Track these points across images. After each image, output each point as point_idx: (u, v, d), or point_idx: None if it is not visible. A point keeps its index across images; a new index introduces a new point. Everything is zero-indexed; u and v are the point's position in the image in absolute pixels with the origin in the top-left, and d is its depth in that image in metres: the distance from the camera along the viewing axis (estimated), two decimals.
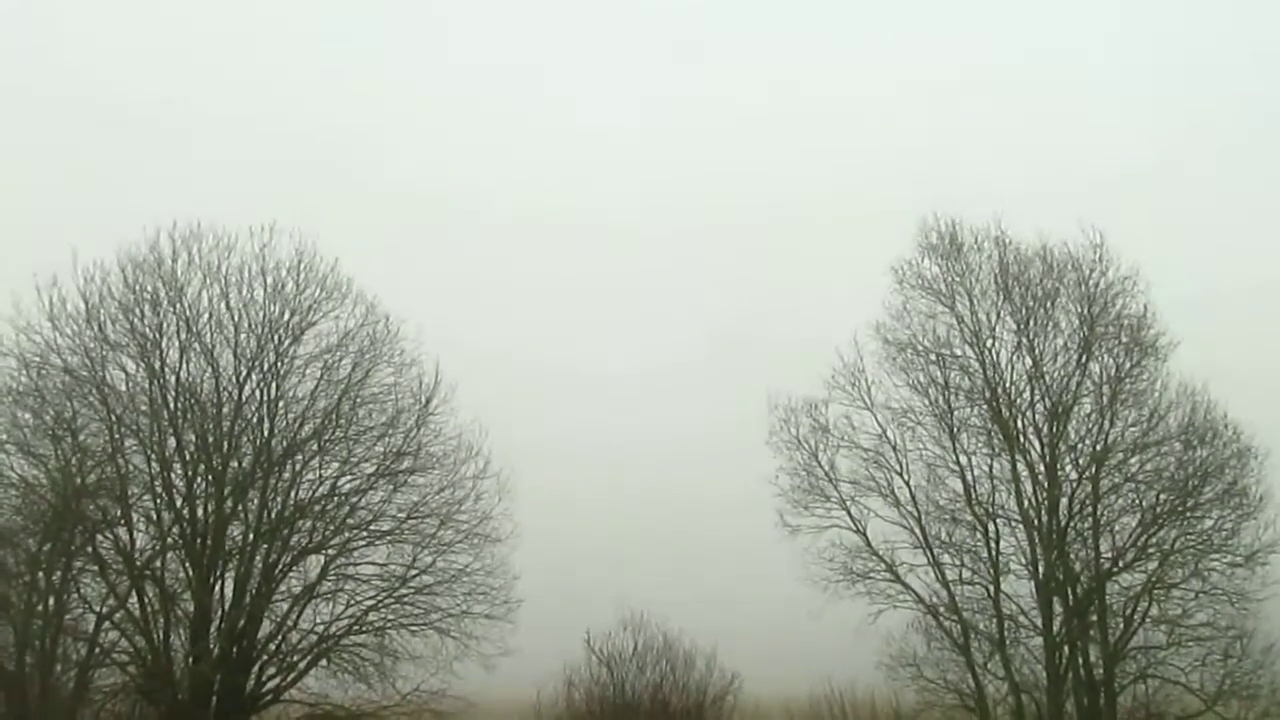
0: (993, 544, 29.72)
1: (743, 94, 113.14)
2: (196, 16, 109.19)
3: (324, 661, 28.51)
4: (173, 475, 28.07)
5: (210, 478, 28.14)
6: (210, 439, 28.17)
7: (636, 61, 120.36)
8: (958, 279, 30.61)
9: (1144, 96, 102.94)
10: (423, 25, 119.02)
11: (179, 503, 28.01)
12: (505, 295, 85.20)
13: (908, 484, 30.27)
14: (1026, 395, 29.83)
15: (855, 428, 30.65)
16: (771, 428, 31.09)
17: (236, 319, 28.52)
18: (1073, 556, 29.40)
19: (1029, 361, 29.89)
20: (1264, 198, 76.39)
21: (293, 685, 28.49)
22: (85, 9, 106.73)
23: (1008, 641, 29.30)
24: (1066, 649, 28.83)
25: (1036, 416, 29.72)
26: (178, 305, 28.30)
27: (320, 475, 28.96)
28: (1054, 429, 29.49)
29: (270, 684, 28.37)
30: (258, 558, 28.31)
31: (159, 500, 27.97)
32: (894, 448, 30.41)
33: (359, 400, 29.19)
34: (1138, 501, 29.28)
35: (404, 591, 28.99)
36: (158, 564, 27.89)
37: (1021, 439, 29.64)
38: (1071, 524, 29.24)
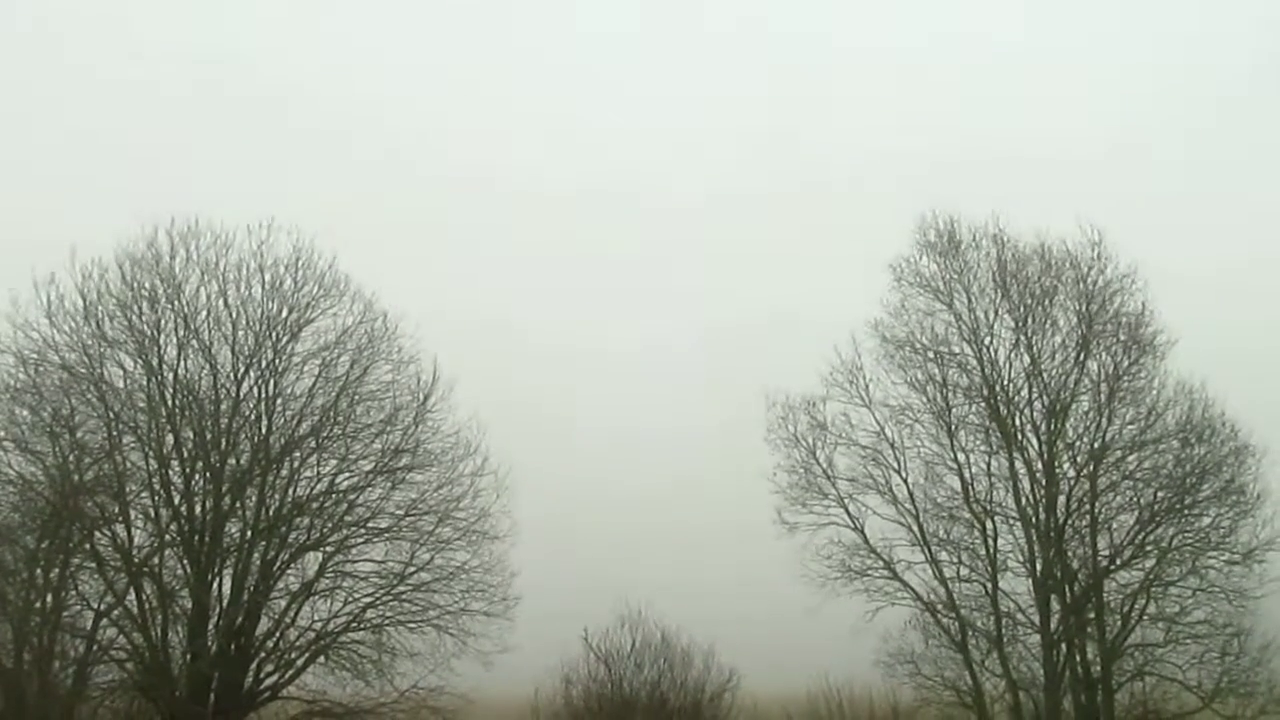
0: (990, 541, 29.74)
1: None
2: None
3: (322, 658, 28.52)
4: (171, 472, 28.09)
5: (208, 475, 28.16)
6: (208, 436, 28.18)
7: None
8: (956, 276, 30.61)
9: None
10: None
11: (177, 500, 28.03)
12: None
13: (905, 481, 30.32)
14: (1024, 393, 29.85)
15: (853, 425, 30.72)
16: (769, 425, 31.19)
17: (234, 316, 28.54)
18: (1070, 554, 29.42)
19: (1027, 359, 29.91)
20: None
21: (291, 682, 28.50)
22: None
23: (1005, 639, 29.33)
24: (1064, 646, 28.87)
25: (1034, 414, 29.75)
26: (176, 302, 28.31)
27: (318, 472, 28.98)
28: (1052, 426, 29.51)
29: (268, 681, 28.39)
30: (256, 555, 28.33)
31: (157, 497, 27.98)
32: (892, 445, 30.46)
33: (357, 397, 29.20)
34: (1135, 499, 29.30)
35: (402, 589, 29.00)
36: (156, 561, 27.89)
37: (1019, 436, 29.66)
38: (1069, 521, 29.26)
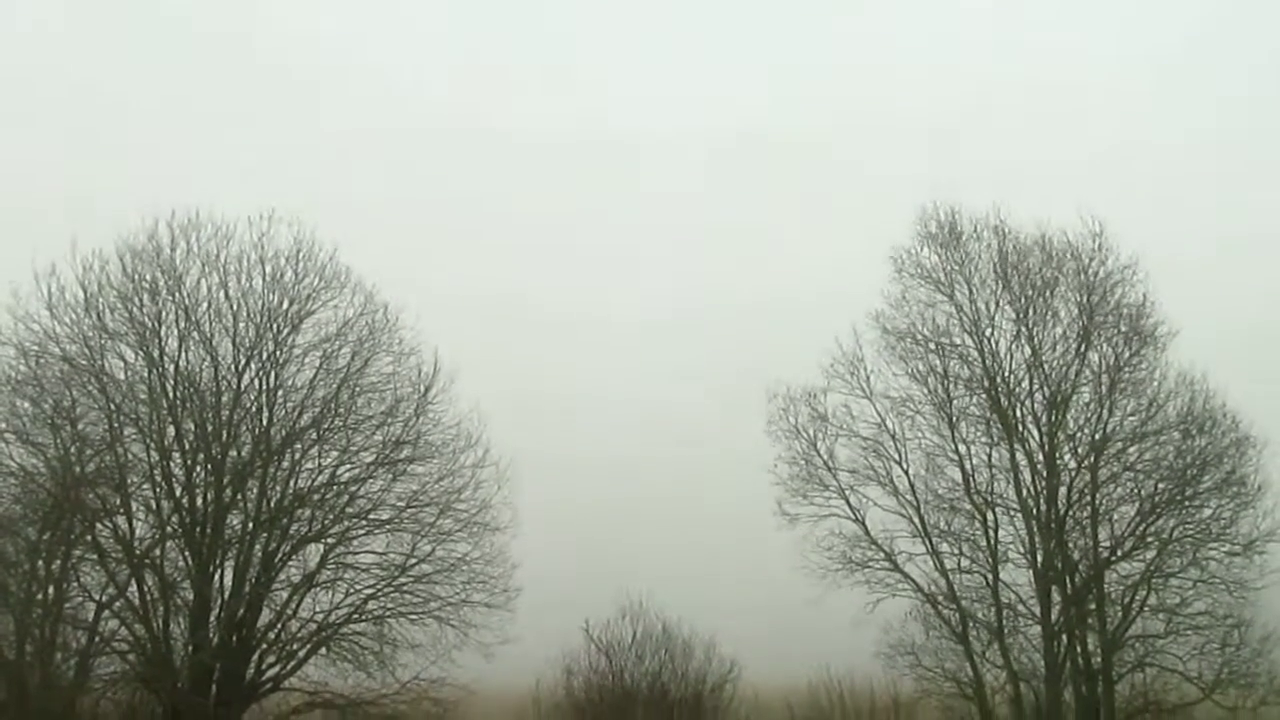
0: (991, 533, 29.77)
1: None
2: None
3: (323, 650, 28.52)
4: (172, 464, 28.07)
5: (209, 466, 28.15)
6: (209, 428, 28.17)
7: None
8: (957, 268, 30.60)
9: None
10: None
11: (178, 491, 28.01)
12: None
13: (906, 473, 30.36)
14: (1025, 384, 29.85)
15: (854, 416, 30.75)
16: (770, 416, 31.22)
17: (235, 308, 28.50)
18: (1071, 545, 29.45)
19: (1028, 350, 29.91)
20: None
21: (292, 674, 28.52)
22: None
23: (1006, 630, 29.38)
24: (1065, 638, 28.90)
25: (1035, 405, 29.76)
26: (176, 294, 28.25)
27: (319, 464, 28.97)
28: (1053, 418, 29.51)
29: (270, 672, 28.42)
30: (257, 546, 28.33)
31: (158, 489, 27.97)
32: (893, 436, 30.50)
33: (358, 389, 29.17)
34: (1136, 490, 29.34)
35: (403, 580, 28.99)
36: (157, 553, 27.86)
37: (1020, 428, 29.66)
38: (1070, 513, 29.29)
